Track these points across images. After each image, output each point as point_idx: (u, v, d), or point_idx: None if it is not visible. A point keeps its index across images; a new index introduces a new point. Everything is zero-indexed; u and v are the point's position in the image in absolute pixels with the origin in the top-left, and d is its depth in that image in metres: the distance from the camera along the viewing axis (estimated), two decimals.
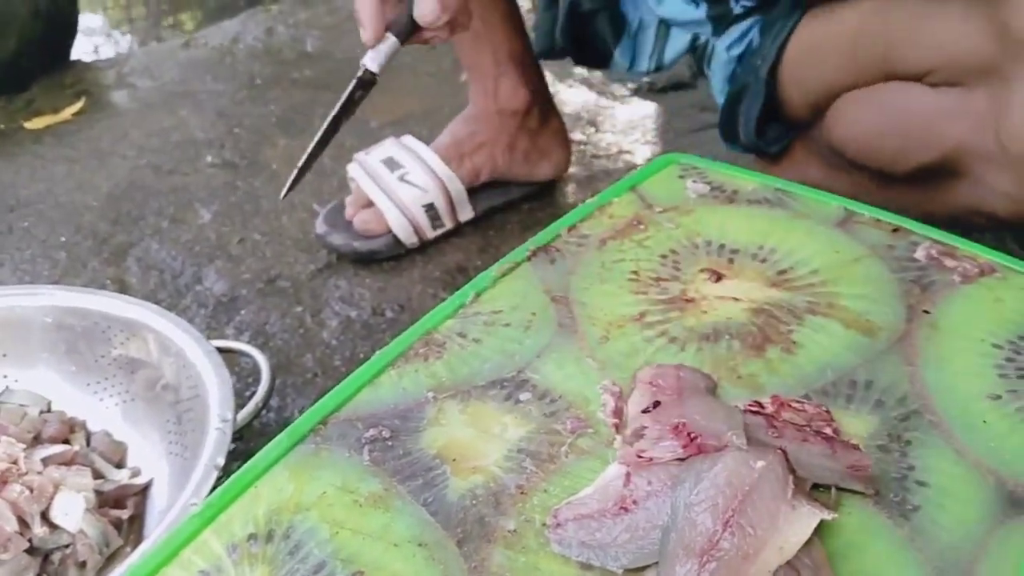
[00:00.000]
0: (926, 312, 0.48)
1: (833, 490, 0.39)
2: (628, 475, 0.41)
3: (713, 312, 0.51)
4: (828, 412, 0.43)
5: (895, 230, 0.55)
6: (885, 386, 0.44)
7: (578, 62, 0.97)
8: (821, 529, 0.38)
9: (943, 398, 0.44)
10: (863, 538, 0.38)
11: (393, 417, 0.46)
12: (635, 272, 0.54)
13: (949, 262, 0.51)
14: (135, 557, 0.50)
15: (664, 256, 0.56)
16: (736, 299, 0.52)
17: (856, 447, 0.41)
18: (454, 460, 0.44)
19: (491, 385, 0.48)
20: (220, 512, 0.43)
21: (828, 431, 0.41)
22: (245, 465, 0.43)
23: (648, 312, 0.51)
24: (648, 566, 0.38)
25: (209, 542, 0.41)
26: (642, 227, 0.58)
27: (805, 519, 0.36)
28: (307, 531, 0.41)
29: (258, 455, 0.44)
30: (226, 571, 0.40)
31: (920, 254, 0.53)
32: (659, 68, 0.96)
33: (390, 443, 0.45)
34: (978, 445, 0.41)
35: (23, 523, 0.55)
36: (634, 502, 0.40)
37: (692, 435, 0.40)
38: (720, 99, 0.91)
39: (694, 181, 0.60)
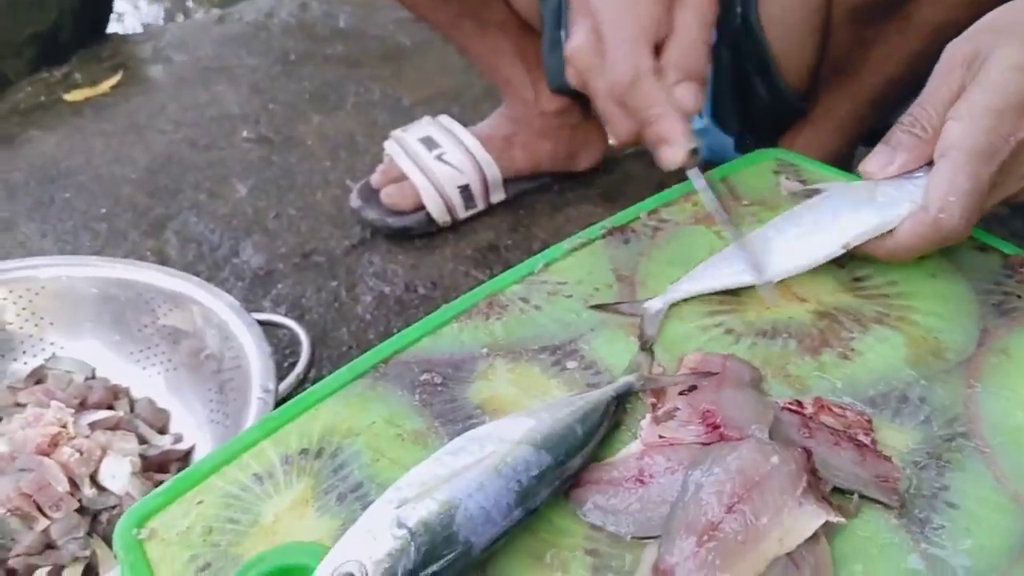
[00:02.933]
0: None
1: (856, 496, 0.44)
2: (646, 451, 0.46)
3: (776, 310, 0.56)
4: (869, 421, 0.48)
5: (981, 248, 0.60)
6: (937, 405, 0.49)
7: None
8: (831, 530, 0.42)
9: (995, 424, 0.47)
10: (874, 548, 0.42)
11: (447, 366, 0.53)
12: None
13: None
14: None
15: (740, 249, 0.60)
16: (803, 300, 0.56)
17: (888, 459, 0.46)
18: (493, 411, 0.50)
19: (542, 350, 0.54)
20: (281, 426, 0.50)
21: (864, 439, 0.47)
22: (309, 389, 0.51)
23: (710, 301, 0.57)
24: (653, 537, 0.42)
25: (267, 450, 0.48)
26: None
27: (809, 517, 0.42)
28: (352, 454, 0.48)
29: (322, 382, 0.52)
30: (276, 478, 0.47)
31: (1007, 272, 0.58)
32: None
33: (440, 388, 0.51)
34: (1021, 476, 0.45)
35: (73, 484, 0.58)
36: (651, 476, 0.44)
37: (716, 423, 0.47)
38: (697, 123, 0.92)
39: (787, 178, 0.67)
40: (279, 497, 0.45)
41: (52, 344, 0.81)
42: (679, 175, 0.60)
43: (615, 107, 0.59)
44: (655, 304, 0.55)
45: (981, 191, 0.51)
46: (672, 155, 0.58)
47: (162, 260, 1.05)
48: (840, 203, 0.57)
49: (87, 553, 0.65)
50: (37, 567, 0.63)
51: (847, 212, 0.55)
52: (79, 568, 0.65)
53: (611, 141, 0.66)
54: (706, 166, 0.69)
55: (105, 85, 1.49)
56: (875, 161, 0.56)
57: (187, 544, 0.42)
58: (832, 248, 0.55)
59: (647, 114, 0.57)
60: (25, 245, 1.08)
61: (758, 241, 0.57)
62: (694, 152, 0.59)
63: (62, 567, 0.64)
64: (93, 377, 0.80)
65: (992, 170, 0.51)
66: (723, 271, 0.56)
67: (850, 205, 0.56)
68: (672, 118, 0.57)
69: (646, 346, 0.53)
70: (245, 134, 1.31)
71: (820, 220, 0.56)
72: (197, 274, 0.96)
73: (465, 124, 1.07)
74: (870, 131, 0.95)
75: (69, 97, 1.46)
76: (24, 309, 0.80)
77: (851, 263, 0.57)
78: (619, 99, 0.58)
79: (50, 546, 0.65)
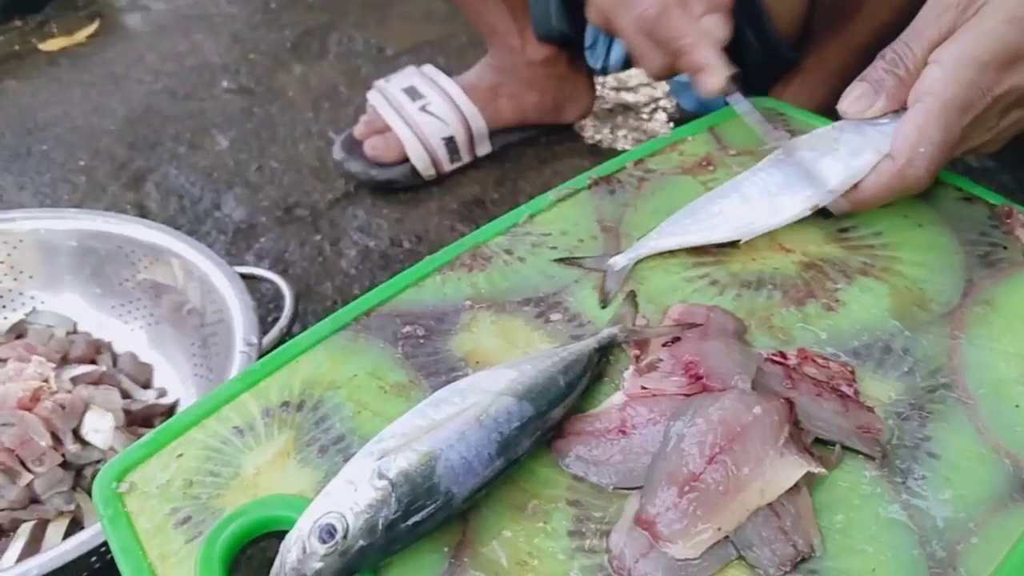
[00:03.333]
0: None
1: (838, 447, 0.44)
2: (628, 402, 0.46)
3: (762, 261, 0.56)
4: (852, 372, 0.48)
5: (967, 199, 0.59)
6: (920, 356, 0.49)
7: (578, 45, 1.04)
8: (812, 481, 0.42)
9: (978, 376, 0.47)
10: (856, 498, 0.42)
11: (430, 318, 0.52)
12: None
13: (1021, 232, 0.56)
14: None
15: None
16: (789, 251, 0.56)
17: (871, 410, 0.46)
18: (476, 363, 0.49)
19: (526, 302, 0.53)
20: (261, 379, 0.49)
21: (846, 390, 0.47)
22: (289, 342, 0.51)
23: (695, 252, 0.57)
24: (635, 488, 0.43)
25: (247, 403, 0.48)
26: (711, 168, 0.63)
27: (791, 468, 0.42)
28: (334, 406, 0.47)
29: (302, 335, 0.51)
30: (257, 431, 0.47)
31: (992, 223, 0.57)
32: (604, 70, 1.05)
33: (422, 340, 0.51)
34: (1003, 427, 0.45)
35: (56, 439, 0.57)
36: (633, 427, 0.45)
37: (699, 374, 0.48)
38: (679, 76, 0.90)
39: (775, 127, 0.66)
40: (260, 450, 0.45)
41: (32, 298, 0.80)
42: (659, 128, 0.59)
43: (645, 41, 0.60)
44: (619, 261, 0.54)
45: (951, 143, 0.51)
46: (713, 82, 0.58)
47: (142, 213, 1.03)
48: (805, 160, 0.55)
49: (72, 507, 0.65)
50: (22, 521, 0.63)
51: (814, 171, 0.54)
52: (64, 522, 0.65)
53: (646, 76, 0.66)
54: (694, 117, 0.68)
55: (81, 35, 1.45)
56: (855, 103, 0.55)
57: (167, 497, 0.42)
58: (802, 209, 0.54)
59: (679, 45, 0.58)
60: (2, 198, 1.07)
61: (718, 199, 0.56)
62: (734, 78, 0.59)
63: (47, 521, 0.64)
64: (75, 331, 0.80)
65: (965, 123, 0.51)
66: (690, 227, 0.55)
67: (815, 162, 0.55)
68: (705, 46, 0.58)
69: (604, 303, 0.52)
70: (225, 84, 1.28)
71: (787, 180, 0.55)
72: (178, 227, 0.94)
73: (450, 74, 1.05)
74: None
75: (44, 47, 1.42)
76: (2, 263, 0.79)
77: None
78: (648, 32, 0.58)
79: (35, 500, 0.65)
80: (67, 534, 0.64)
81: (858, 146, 0.53)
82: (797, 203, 0.54)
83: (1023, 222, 0.56)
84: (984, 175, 0.97)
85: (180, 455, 0.44)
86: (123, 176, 1.10)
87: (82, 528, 0.64)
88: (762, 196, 0.55)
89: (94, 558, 0.54)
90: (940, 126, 0.50)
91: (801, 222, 0.56)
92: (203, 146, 1.15)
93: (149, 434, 0.45)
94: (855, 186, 0.53)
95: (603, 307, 0.52)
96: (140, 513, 0.42)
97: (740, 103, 0.59)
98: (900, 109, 0.53)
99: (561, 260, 0.55)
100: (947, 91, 0.50)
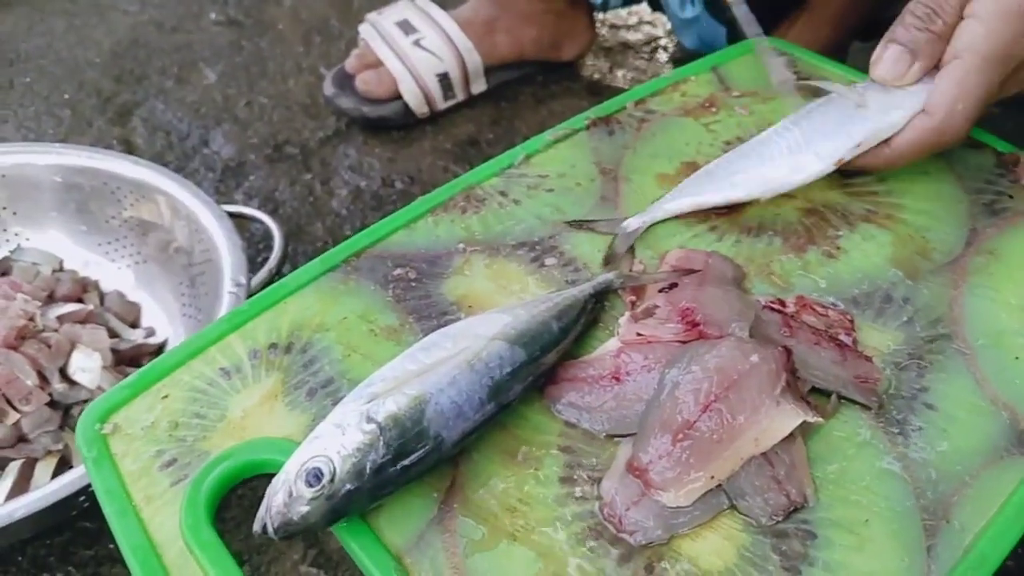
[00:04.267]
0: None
1: (834, 396, 0.44)
2: (623, 348, 0.45)
3: (763, 206, 0.54)
4: (851, 321, 0.47)
5: (974, 146, 0.59)
6: (921, 306, 0.48)
7: None
8: (807, 430, 0.42)
9: (978, 326, 0.47)
10: (851, 448, 0.42)
11: (422, 261, 0.51)
12: (693, 156, 0.58)
13: None
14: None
15: (728, 143, 0.59)
16: (791, 196, 0.55)
17: (869, 359, 0.45)
18: (469, 307, 0.48)
19: (520, 246, 0.52)
20: (248, 320, 0.48)
21: (845, 339, 0.46)
22: (277, 282, 0.50)
23: None
24: (627, 435, 0.42)
25: (234, 344, 0.47)
26: (713, 110, 0.62)
27: (786, 417, 0.41)
28: (323, 349, 0.47)
29: (291, 275, 0.50)
30: (244, 372, 0.46)
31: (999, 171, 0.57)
32: (604, 6, 1.04)
33: (414, 284, 0.50)
34: (1001, 379, 0.44)
35: (42, 378, 0.56)
36: (627, 374, 0.44)
37: (696, 321, 0.45)
38: (681, 13, 0.87)
39: (783, 60, 0.59)
40: (247, 392, 0.44)
41: (16, 235, 0.79)
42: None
43: None
44: (632, 223, 0.53)
45: (990, 96, 0.50)
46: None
47: (129, 149, 1.01)
48: (828, 116, 0.54)
49: (60, 446, 0.64)
50: (10, 460, 0.63)
51: (837, 127, 0.53)
52: (52, 461, 0.64)
53: None
54: (695, 56, 0.66)
55: None
56: (891, 68, 0.52)
57: (152, 439, 0.42)
58: (825, 164, 0.52)
59: None
60: None
61: (737, 159, 0.55)
62: None
63: (35, 460, 0.64)
64: (61, 269, 0.78)
65: (1005, 75, 0.49)
66: (707, 188, 0.53)
67: (840, 118, 0.53)
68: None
69: (609, 263, 0.51)
70: (213, 16, 1.24)
71: (809, 136, 0.53)
72: (166, 164, 0.92)
73: (445, 7, 1.02)
74: (865, 23, 0.92)
75: None
76: None
77: None
78: None
79: (22, 439, 0.64)
80: (56, 473, 0.64)
81: (885, 104, 0.51)
82: (820, 160, 0.52)
83: None
84: (988, 122, 0.95)
85: (165, 396, 0.44)
86: (109, 110, 1.07)
87: (71, 467, 0.64)
88: (783, 154, 0.53)
89: (82, 497, 0.54)
90: (980, 82, 0.49)
91: None
92: (191, 80, 1.12)
93: (133, 375, 0.45)
94: (886, 142, 0.52)
95: (607, 265, 0.50)
96: (124, 455, 0.41)
97: (739, 7, 0.57)
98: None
99: (572, 223, 0.53)
100: (987, 45, 0.48)
